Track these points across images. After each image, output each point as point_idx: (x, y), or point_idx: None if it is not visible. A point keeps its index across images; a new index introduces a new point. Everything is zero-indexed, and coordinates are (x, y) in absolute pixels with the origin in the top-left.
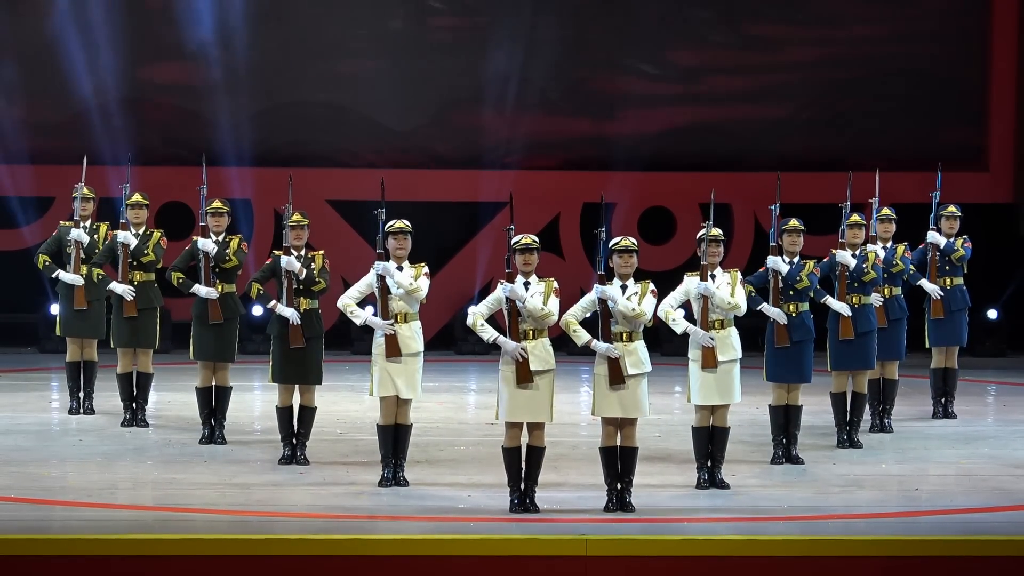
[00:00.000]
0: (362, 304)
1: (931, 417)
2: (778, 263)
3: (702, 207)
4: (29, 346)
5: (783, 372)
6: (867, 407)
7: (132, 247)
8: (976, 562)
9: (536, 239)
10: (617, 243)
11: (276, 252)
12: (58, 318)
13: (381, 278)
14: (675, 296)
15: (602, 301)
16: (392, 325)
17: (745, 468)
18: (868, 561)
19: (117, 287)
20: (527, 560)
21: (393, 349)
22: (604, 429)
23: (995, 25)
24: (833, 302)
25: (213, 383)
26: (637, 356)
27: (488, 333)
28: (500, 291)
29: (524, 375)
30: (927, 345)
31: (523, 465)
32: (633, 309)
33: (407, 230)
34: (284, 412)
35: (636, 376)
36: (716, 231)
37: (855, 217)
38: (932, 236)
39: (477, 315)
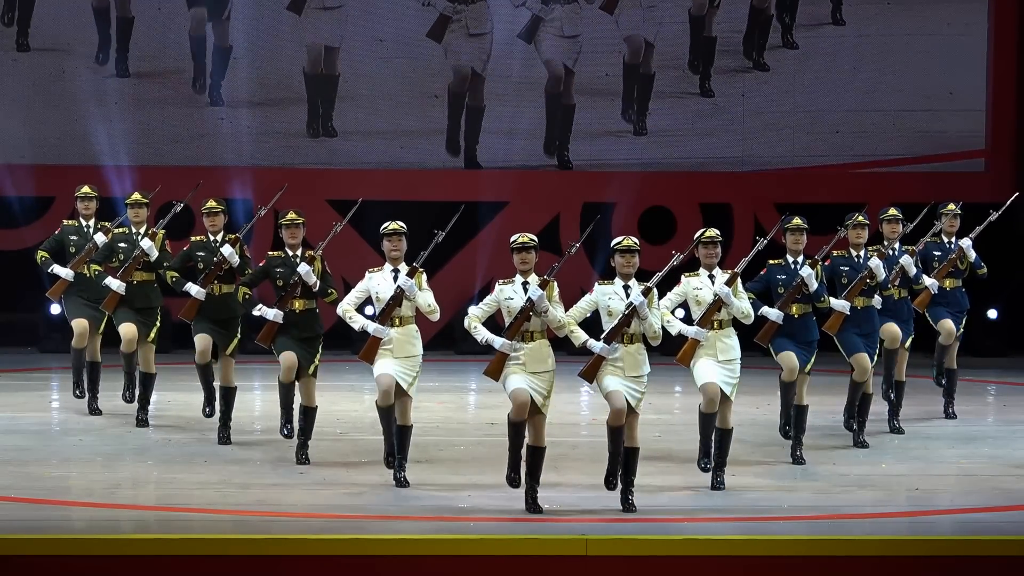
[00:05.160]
0: (359, 308)
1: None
2: (811, 278)
3: (702, 207)
4: (29, 346)
5: (787, 344)
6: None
7: (152, 259)
8: (976, 562)
9: (534, 238)
10: (619, 243)
11: (271, 253)
12: (65, 311)
13: (400, 292)
14: (671, 298)
15: (631, 308)
16: (388, 331)
17: (745, 468)
18: (868, 561)
19: (112, 282)
20: (527, 560)
21: (374, 354)
22: (612, 406)
23: (995, 24)
24: (835, 302)
25: (217, 382)
26: (635, 359)
27: (481, 334)
28: (497, 293)
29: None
30: (933, 324)
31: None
32: (656, 332)
33: (402, 231)
34: (285, 387)
35: (635, 376)
36: (713, 231)
37: (859, 217)
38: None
39: (473, 317)
